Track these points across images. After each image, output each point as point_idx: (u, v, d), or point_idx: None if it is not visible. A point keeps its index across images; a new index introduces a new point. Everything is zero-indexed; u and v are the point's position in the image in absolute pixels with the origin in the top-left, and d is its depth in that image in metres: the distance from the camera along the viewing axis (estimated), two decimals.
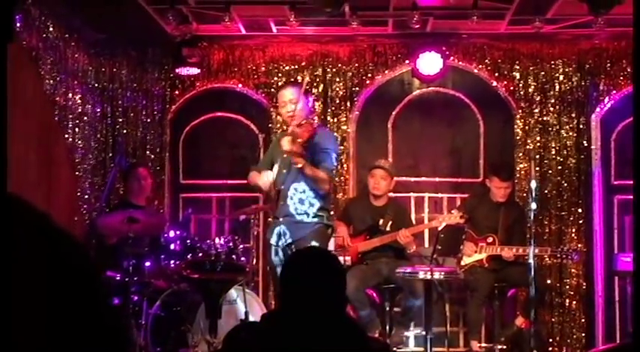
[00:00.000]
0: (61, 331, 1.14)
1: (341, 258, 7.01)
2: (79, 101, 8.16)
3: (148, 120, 8.84)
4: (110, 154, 8.64)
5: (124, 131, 8.78)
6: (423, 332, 7.03)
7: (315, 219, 6.07)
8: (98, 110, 8.61)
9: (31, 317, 1.13)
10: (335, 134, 6.58)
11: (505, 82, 8.78)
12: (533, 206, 6.62)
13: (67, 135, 7.90)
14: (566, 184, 8.67)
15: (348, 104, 8.80)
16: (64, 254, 1.20)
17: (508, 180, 8.06)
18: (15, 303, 1.12)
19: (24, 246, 1.16)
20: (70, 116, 7.97)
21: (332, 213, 6.35)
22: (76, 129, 8.08)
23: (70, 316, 1.16)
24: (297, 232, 6.04)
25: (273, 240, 6.17)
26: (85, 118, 8.27)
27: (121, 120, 8.78)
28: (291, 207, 6.09)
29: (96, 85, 8.61)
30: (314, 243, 5.89)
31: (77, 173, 8.10)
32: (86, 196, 8.21)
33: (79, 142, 8.13)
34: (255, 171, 6.44)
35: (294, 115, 6.08)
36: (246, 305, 6.88)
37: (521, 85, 8.76)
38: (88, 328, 1.18)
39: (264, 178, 6.27)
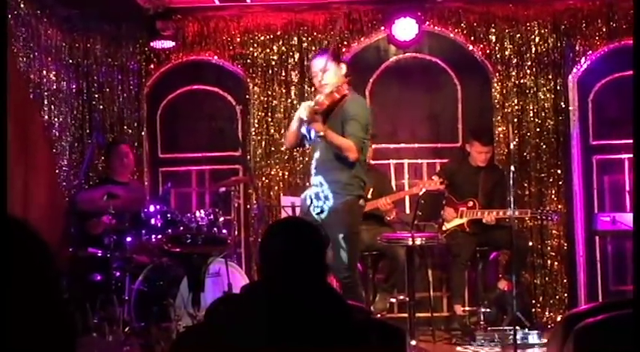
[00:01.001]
0: (19, 322, 1.16)
1: None
2: (54, 78, 8.09)
3: (125, 95, 8.78)
4: (87, 131, 8.57)
5: (101, 107, 8.71)
6: (407, 298, 7.06)
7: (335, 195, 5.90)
8: (73, 86, 8.53)
9: None
10: (367, 102, 6.31)
11: (481, 46, 8.75)
12: (512, 169, 6.65)
13: (42, 113, 7.83)
14: (545, 146, 8.67)
15: None
16: (31, 255, 1.22)
17: (489, 144, 8.08)
18: None
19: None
20: (46, 93, 7.90)
21: (364, 182, 6.05)
22: (52, 107, 8.02)
23: (26, 310, 1.18)
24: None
25: (307, 203, 6.06)
26: (61, 95, 8.20)
27: (96, 95, 8.71)
28: (311, 205, 6.00)
29: (70, 61, 8.52)
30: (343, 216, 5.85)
31: (55, 150, 8.03)
32: (65, 173, 8.16)
33: (56, 119, 8.07)
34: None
35: (325, 84, 6.01)
36: (229, 277, 6.88)
37: (497, 48, 8.73)
38: (40, 321, 1.20)
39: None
